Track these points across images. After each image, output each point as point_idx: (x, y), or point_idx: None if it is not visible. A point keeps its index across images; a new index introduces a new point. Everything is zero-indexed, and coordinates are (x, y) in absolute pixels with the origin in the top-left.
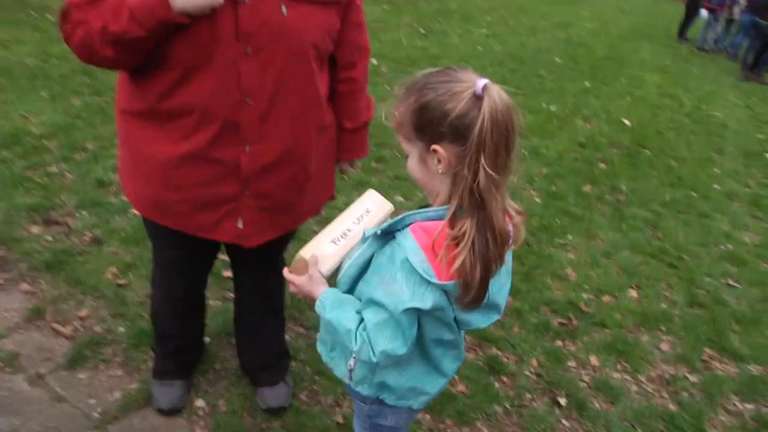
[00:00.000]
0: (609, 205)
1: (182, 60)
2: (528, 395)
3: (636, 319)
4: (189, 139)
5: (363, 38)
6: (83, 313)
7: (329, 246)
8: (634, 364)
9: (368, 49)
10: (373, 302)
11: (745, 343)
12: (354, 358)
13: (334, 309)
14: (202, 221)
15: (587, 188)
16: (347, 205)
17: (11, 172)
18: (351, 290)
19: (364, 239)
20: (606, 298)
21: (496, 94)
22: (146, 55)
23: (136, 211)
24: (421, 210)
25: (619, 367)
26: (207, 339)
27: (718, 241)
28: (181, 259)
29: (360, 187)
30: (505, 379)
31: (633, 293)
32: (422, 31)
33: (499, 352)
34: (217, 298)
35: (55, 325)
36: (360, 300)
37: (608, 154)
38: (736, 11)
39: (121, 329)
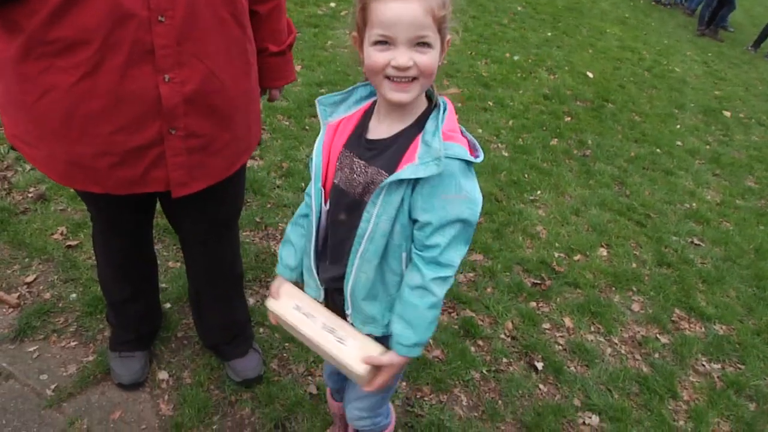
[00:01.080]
0: (576, 160)
1: None
2: (504, 359)
3: (607, 279)
4: (92, 76)
5: None
6: (30, 278)
7: (360, 339)
8: (607, 326)
9: None
10: (457, 221)
11: (710, 302)
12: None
13: (412, 326)
14: (125, 175)
15: (554, 142)
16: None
17: None
18: (385, 246)
19: (378, 193)
20: (577, 257)
21: None
22: None
23: None
24: (428, 121)
25: (592, 328)
26: (167, 305)
27: (683, 199)
28: (116, 219)
29: None
30: (480, 342)
31: (603, 252)
32: None
33: (474, 315)
34: (176, 259)
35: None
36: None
37: (573, 107)
38: None
39: (74, 296)
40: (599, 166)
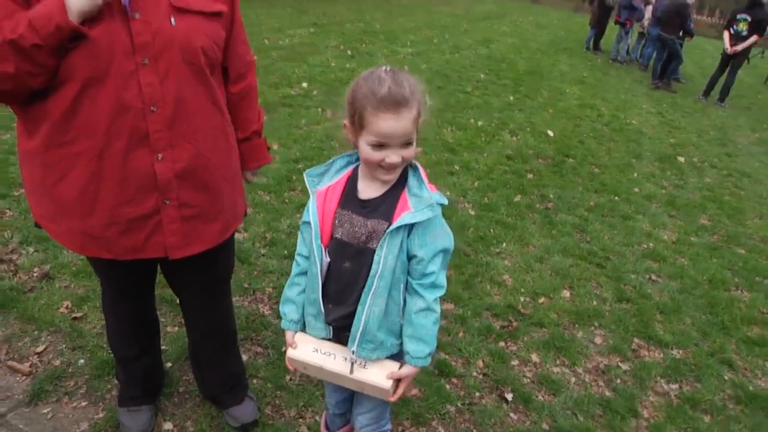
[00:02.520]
0: (539, 213)
1: (80, 73)
2: (477, 393)
3: (571, 317)
4: (100, 160)
5: (249, 54)
6: (40, 348)
7: (378, 362)
8: (571, 358)
9: (254, 63)
10: (441, 252)
11: (668, 330)
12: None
13: (424, 342)
14: (130, 243)
15: (517, 198)
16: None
17: None
18: (391, 280)
19: (385, 238)
20: (542, 300)
21: None
22: (47, 73)
23: None
24: (410, 179)
25: (558, 361)
26: (168, 364)
27: (641, 241)
28: (124, 285)
29: None
30: (455, 380)
31: (566, 293)
32: (349, 53)
33: (447, 357)
34: (174, 324)
35: (12, 363)
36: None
37: (535, 165)
38: (646, 24)
39: (82, 361)
40: (561, 217)
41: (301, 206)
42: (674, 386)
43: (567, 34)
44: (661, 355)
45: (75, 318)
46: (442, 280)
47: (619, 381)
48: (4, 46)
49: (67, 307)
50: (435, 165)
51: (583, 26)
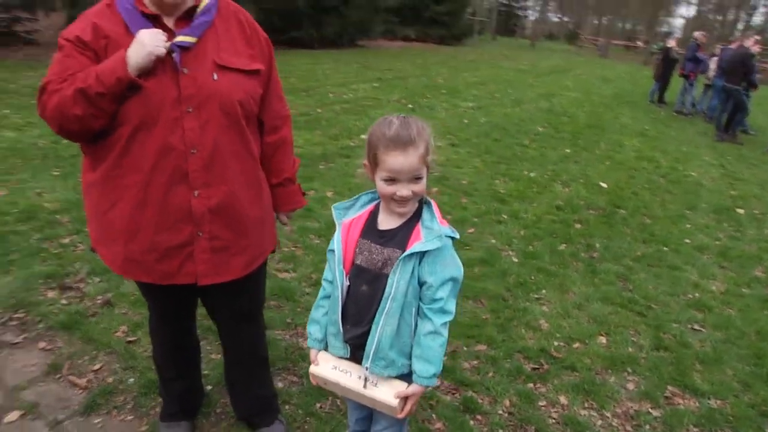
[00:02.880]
0: (582, 262)
1: (133, 118)
2: (501, 431)
3: (604, 363)
4: (145, 192)
5: (284, 109)
6: (97, 366)
7: (388, 381)
8: (600, 402)
9: (289, 117)
10: (450, 280)
11: (706, 380)
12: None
13: (430, 362)
14: (166, 269)
15: (562, 247)
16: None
17: (28, 243)
18: (403, 303)
19: (398, 264)
20: (576, 345)
21: None
22: (107, 116)
23: None
24: (424, 213)
25: (586, 405)
26: (209, 387)
27: (686, 291)
28: (166, 311)
29: None
30: (479, 417)
31: (602, 339)
32: (410, 106)
33: (475, 394)
34: (217, 352)
35: (72, 378)
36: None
37: (584, 215)
38: (711, 76)
39: (131, 380)
40: (605, 266)
41: None
42: None
43: (633, 88)
44: (697, 404)
45: (129, 341)
46: (451, 306)
47: (648, 427)
48: (75, 93)
49: (123, 332)
50: (484, 214)
51: (650, 79)
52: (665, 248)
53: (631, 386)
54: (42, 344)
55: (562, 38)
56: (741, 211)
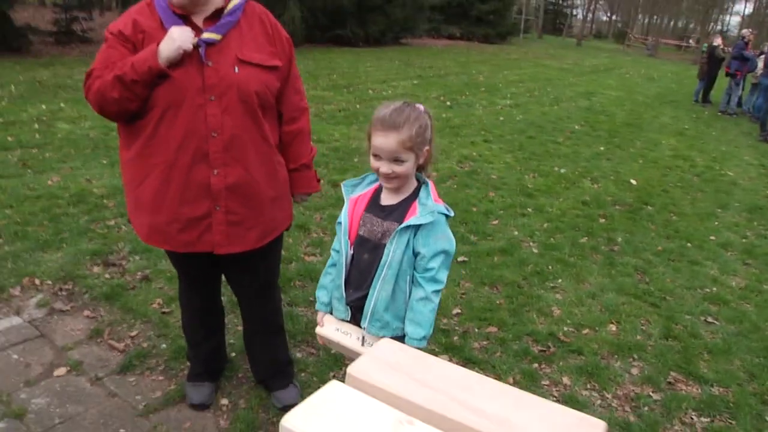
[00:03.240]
0: (602, 254)
1: (162, 102)
2: None
3: (611, 349)
4: (171, 169)
5: (302, 102)
6: (134, 333)
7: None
8: (602, 384)
9: (307, 109)
10: (441, 252)
11: (712, 369)
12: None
13: (420, 325)
14: (186, 238)
15: (584, 240)
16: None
17: (77, 224)
18: (398, 270)
19: (394, 235)
20: (585, 331)
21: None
22: (141, 100)
23: None
24: (420, 192)
25: (588, 386)
26: (233, 354)
27: (704, 285)
28: (190, 275)
29: None
30: None
31: (612, 327)
32: (448, 103)
33: (481, 371)
34: (240, 324)
35: (111, 342)
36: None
37: (610, 211)
38: (758, 74)
39: (164, 346)
40: (624, 259)
41: None
42: (705, 419)
43: (678, 87)
44: (699, 390)
45: (164, 312)
46: (442, 276)
47: (646, 408)
48: (114, 79)
49: (158, 304)
50: (509, 207)
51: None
52: (689, 244)
53: (635, 371)
54: (87, 312)
55: (610, 37)
56: None
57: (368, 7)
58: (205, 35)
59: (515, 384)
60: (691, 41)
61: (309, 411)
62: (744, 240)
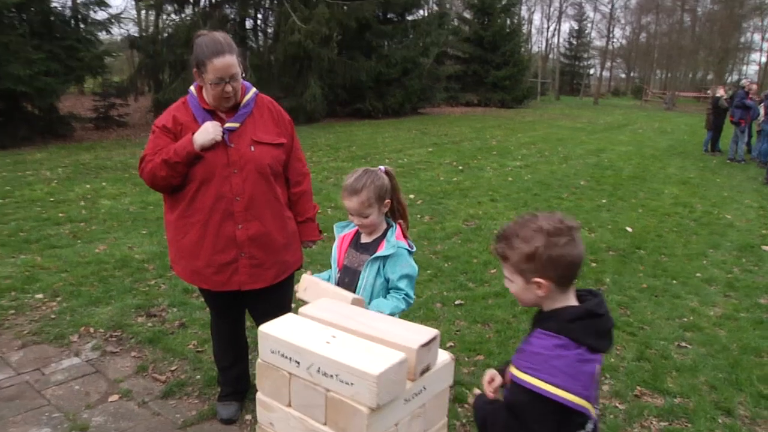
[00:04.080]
0: None
1: (198, 176)
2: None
3: None
4: (206, 226)
5: (304, 168)
6: (173, 368)
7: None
8: None
9: (308, 174)
10: (405, 276)
11: (677, 384)
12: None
13: (384, 307)
14: (220, 279)
15: None
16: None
17: (123, 284)
18: (371, 293)
19: (366, 264)
20: None
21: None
22: (182, 176)
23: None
24: (388, 233)
25: None
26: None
27: (683, 315)
28: (220, 309)
29: None
30: (466, 405)
31: None
32: (460, 167)
33: (466, 390)
34: None
35: (155, 375)
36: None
37: (602, 256)
38: (761, 120)
39: (198, 377)
40: (610, 297)
41: None
42: (663, 423)
43: (689, 138)
44: (662, 401)
45: (198, 351)
46: (411, 293)
47: (611, 416)
48: (161, 161)
49: (193, 345)
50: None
51: None
52: (674, 281)
53: (606, 388)
54: (133, 353)
55: (629, 94)
56: (767, 248)
57: (386, 81)
58: (228, 124)
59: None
60: (708, 92)
61: (276, 325)
62: (729, 275)
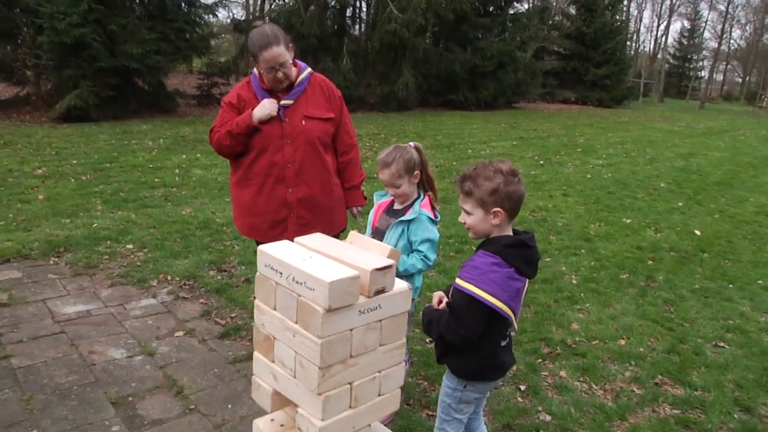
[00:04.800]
0: (637, 288)
1: (256, 146)
2: (500, 382)
3: (613, 355)
4: (262, 188)
5: (352, 140)
6: (233, 315)
7: None
8: (594, 379)
9: (355, 145)
10: (426, 240)
11: (702, 378)
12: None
13: (402, 263)
14: (272, 234)
15: (624, 276)
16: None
17: (201, 242)
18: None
19: (391, 227)
20: (595, 342)
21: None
22: (243, 145)
23: None
24: (417, 200)
25: (581, 379)
26: None
27: (729, 317)
28: None
29: None
30: None
31: (621, 341)
32: (541, 162)
33: None
34: None
35: (216, 319)
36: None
37: (661, 255)
38: None
39: (253, 324)
40: (658, 293)
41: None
42: (676, 411)
43: None
44: (682, 392)
45: None
46: (431, 255)
47: (625, 398)
48: (226, 132)
49: (254, 298)
50: (564, 248)
51: None
52: (730, 285)
53: (627, 374)
54: (201, 300)
55: (742, 99)
56: None
57: (480, 74)
58: (283, 102)
59: (517, 371)
60: None
61: (272, 246)
62: None
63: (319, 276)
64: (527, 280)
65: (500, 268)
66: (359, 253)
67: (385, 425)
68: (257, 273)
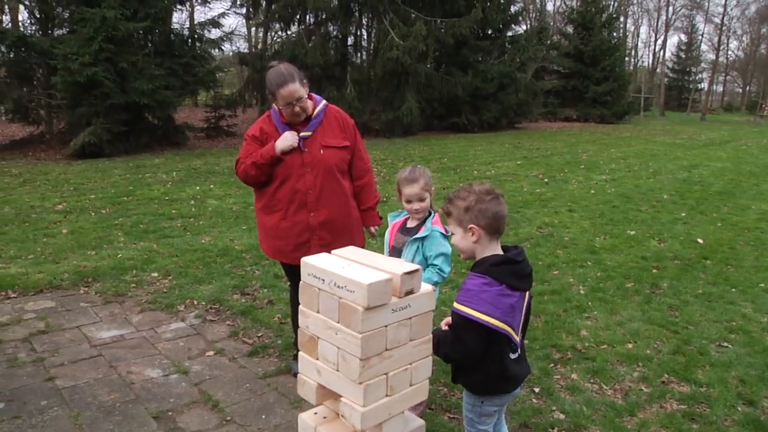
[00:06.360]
0: (643, 296)
1: (280, 175)
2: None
3: (621, 358)
4: (286, 213)
5: (366, 165)
6: (259, 334)
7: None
8: (604, 380)
9: (369, 170)
10: (440, 254)
11: (707, 376)
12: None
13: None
14: (297, 255)
15: (629, 284)
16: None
17: (223, 268)
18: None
19: (407, 244)
20: (604, 346)
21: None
22: (267, 175)
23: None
24: (428, 218)
25: (591, 381)
26: None
27: (732, 319)
28: (296, 280)
29: None
30: None
31: (629, 345)
32: (546, 180)
33: None
34: None
35: (244, 339)
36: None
37: (665, 264)
38: None
39: (279, 342)
40: (663, 299)
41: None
42: (683, 406)
43: None
44: (688, 389)
45: (281, 323)
46: (446, 268)
47: (634, 396)
48: (251, 163)
49: (278, 318)
50: (571, 261)
51: None
52: (733, 289)
53: (635, 374)
54: (228, 322)
55: (743, 109)
56: None
57: (482, 96)
58: (302, 133)
59: (531, 376)
60: None
61: (313, 257)
62: None
63: (358, 279)
64: (525, 293)
65: (490, 287)
66: (388, 261)
67: (417, 415)
68: (301, 282)
